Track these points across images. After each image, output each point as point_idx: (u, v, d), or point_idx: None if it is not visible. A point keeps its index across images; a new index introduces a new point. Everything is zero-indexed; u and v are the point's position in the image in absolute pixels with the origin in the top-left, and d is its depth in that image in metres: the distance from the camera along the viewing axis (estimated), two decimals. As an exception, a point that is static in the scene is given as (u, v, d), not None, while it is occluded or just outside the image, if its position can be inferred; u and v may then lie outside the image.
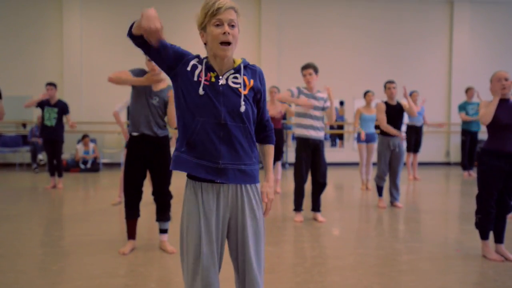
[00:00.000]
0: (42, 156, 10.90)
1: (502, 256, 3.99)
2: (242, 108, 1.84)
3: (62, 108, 7.80)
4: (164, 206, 4.16)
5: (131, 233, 4.15)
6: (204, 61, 1.91)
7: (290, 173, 10.32)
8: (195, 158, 1.83)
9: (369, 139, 7.90)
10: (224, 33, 1.80)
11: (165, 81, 4.08)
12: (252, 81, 1.93)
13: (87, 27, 11.38)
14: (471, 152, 9.78)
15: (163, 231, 4.22)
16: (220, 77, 1.87)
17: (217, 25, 1.82)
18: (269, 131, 2.08)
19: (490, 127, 3.90)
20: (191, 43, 11.54)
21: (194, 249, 1.84)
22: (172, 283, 3.35)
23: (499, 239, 4.05)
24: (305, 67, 5.47)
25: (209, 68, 1.88)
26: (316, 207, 5.54)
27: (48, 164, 7.91)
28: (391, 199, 6.38)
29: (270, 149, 2.09)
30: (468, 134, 9.66)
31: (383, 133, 6.21)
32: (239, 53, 10.52)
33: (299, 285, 3.34)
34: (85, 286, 3.25)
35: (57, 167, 7.92)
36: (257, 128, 2.04)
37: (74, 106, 11.01)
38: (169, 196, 4.18)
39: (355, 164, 11.85)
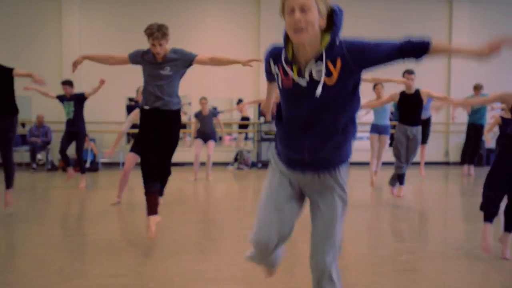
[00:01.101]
0: (41, 156, 10.89)
1: (503, 246, 3.92)
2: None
3: (78, 99, 7.84)
4: (164, 182, 4.13)
5: (152, 209, 3.97)
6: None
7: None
8: None
9: (381, 130, 7.69)
10: (296, 20, 1.73)
11: (167, 49, 3.98)
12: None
13: (86, 26, 11.37)
14: (476, 147, 9.66)
15: (160, 192, 4.22)
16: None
17: (290, 12, 1.77)
18: None
19: None
20: (191, 42, 11.56)
21: None
22: (172, 283, 3.35)
23: (508, 228, 3.94)
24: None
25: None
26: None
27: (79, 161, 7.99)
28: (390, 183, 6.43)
29: None
30: (473, 128, 9.60)
31: (401, 121, 6.20)
32: (238, 54, 10.53)
33: (297, 284, 3.34)
34: (84, 286, 3.25)
35: (78, 163, 7.95)
36: None
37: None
38: (168, 171, 4.12)
39: (356, 164, 11.84)
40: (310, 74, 1.81)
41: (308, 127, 1.88)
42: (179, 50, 4.03)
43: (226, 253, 4.13)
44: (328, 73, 1.78)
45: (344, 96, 1.84)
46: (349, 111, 1.89)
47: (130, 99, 11.76)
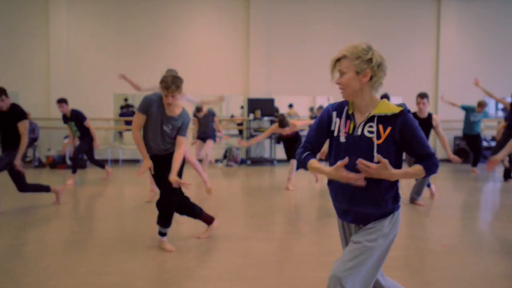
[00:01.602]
0: (28, 153, 10.77)
1: None
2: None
3: (77, 119, 7.63)
4: (165, 214, 4.10)
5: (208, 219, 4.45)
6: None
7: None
8: None
9: None
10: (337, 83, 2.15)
11: (180, 107, 4.05)
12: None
13: (73, 25, 11.22)
14: (477, 152, 9.86)
15: (162, 234, 4.17)
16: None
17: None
18: None
19: None
20: (181, 41, 11.52)
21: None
22: (160, 281, 3.34)
23: None
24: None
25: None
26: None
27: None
28: (410, 198, 6.36)
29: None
30: (470, 138, 9.95)
31: None
32: (227, 51, 10.50)
33: (286, 281, 3.34)
34: (72, 284, 3.22)
35: (72, 162, 7.91)
36: None
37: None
38: (171, 208, 4.11)
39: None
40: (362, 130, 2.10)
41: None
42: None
43: (215, 251, 4.12)
44: (378, 136, 2.06)
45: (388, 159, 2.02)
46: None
47: (125, 99, 11.73)
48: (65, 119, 7.73)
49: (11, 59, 11.11)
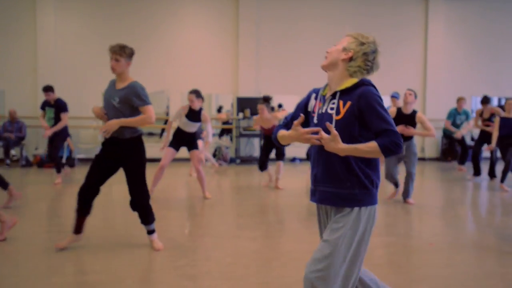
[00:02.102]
0: (14, 152, 10.68)
1: None
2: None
3: (58, 107, 7.64)
4: (142, 211, 4.00)
5: (78, 228, 4.01)
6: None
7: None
8: None
9: None
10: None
11: (129, 80, 3.90)
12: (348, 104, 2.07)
13: (61, 24, 11.13)
14: (464, 150, 9.86)
15: (150, 232, 4.10)
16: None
17: None
18: None
19: None
20: (170, 40, 11.48)
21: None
22: (148, 279, 3.33)
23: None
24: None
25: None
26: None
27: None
28: (403, 196, 6.35)
29: None
30: (450, 138, 10.07)
31: None
32: (216, 50, 10.48)
33: (274, 279, 3.36)
34: (59, 283, 3.20)
35: (53, 162, 7.86)
36: None
37: (49, 101, 10.79)
38: (144, 199, 3.98)
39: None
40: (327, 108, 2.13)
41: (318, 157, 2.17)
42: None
43: (203, 249, 4.13)
44: (337, 112, 2.06)
45: (348, 135, 2.03)
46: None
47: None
48: (46, 105, 7.70)
49: (-3, 57, 10.99)
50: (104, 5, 11.25)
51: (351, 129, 2.02)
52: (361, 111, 2.01)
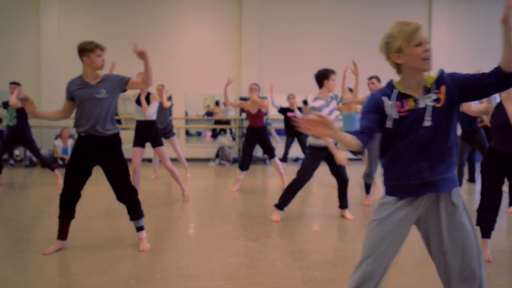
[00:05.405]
0: (18, 152, 10.71)
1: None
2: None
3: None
4: (132, 204, 4.01)
5: (62, 234, 4.00)
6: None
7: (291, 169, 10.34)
8: None
9: None
10: (426, 50, 2.05)
11: (100, 74, 3.93)
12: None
13: (65, 24, 11.16)
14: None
15: (138, 228, 4.10)
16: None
17: (417, 45, 2.05)
18: None
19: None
20: (173, 41, 11.48)
21: None
22: (153, 280, 3.33)
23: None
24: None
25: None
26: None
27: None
28: None
29: None
30: None
31: None
32: (219, 50, 10.50)
33: (278, 279, 3.35)
34: (63, 283, 3.21)
35: (43, 165, 7.79)
36: None
37: (52, 102, 10.80)
38: (133, 191, 4.01)
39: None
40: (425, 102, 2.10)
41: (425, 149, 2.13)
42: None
43: (206, 250, 4.13)
44: (437, 100, 2.08)
45: (450, 117, 2.11)
46: (454, 133, 2.14)
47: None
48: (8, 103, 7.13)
49: (1, 58, 11.02)
50: (108, 5, 11.27)
51: (450, 113, 2.09)
52: (458, 83, 2.08)
